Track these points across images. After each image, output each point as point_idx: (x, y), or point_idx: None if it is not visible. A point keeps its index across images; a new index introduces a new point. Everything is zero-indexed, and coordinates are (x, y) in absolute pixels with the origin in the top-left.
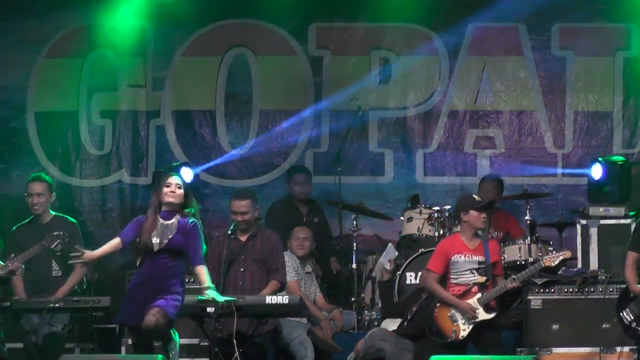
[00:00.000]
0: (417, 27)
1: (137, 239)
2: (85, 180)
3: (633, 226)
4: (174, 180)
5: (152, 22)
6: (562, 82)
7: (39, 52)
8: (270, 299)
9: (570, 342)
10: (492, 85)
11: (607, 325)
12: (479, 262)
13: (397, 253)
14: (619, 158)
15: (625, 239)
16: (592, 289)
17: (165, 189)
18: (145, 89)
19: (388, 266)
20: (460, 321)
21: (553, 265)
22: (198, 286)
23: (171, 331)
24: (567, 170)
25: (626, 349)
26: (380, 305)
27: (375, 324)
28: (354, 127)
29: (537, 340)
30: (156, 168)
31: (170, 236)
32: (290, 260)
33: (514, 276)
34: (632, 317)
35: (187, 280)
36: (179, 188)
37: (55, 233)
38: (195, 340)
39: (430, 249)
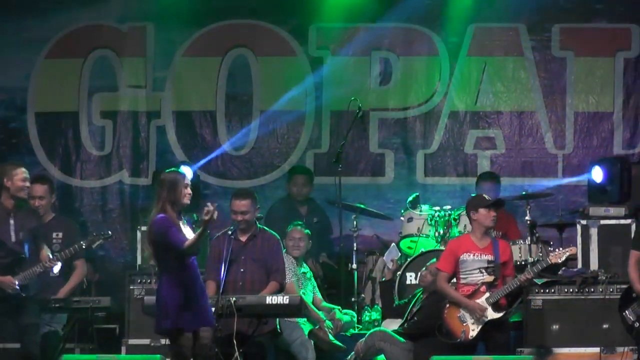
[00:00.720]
0: (417, 27)
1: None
2: (85, 180)
3: (634, 226)
4: (189, 181)
5: (153, 22)
6: (563, 82)
7: (39, 52)
8: (270, 299)
9: (570, 342)
10: (492, 86)
11: (607, 325)
12: (488, 262)
13: (399, 253)
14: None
15: (625, 239)
16: (592, 289)
17: (184, 190)
18: (146, 89)
19: (391, 265)
20: (470, 321)
21: (559, 261)
22: None
23: None
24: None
25: (626, 349)
26: (380, 305)
27: (375, 324)
28: (354, 127)
29: (537, 340)
30: (156, 169)
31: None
32: (287, 261)
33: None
34: (635, 317)
35: None
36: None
37: (95, 233)
38: None
39: (430, 249)
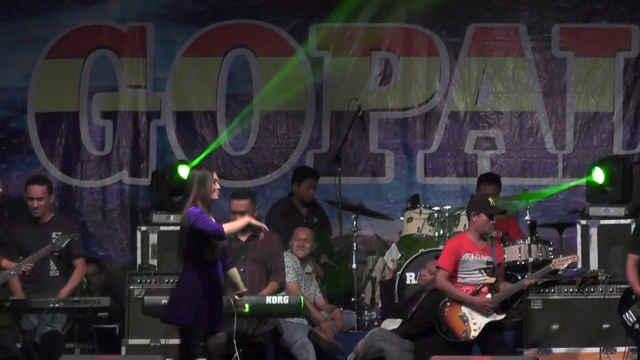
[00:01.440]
0: (417, 27)
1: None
2: (85, 180)
3: (633, 227)
4: (216, 177)
5: (153, 22)
6: (563, 83)
7: (39, 52)
8: (270, 299)
9: (570, 342)
10: (492, 86)
11: (607, 325)
12: (487, 262)
13: (399, 254)
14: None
15: (625, 239)
16: (592, 289)
17: (213, 185)
18: (146, 89)
19: (391, 265)
20: (471, 321)
21: (561, 268)
22: None
23: None
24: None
25: (627, 349)
26: (380, 305)
27: (375, 324)
28: (354, 127)
29: (537, 340)
30: (157, 169)
31: None
32: (290, 261)
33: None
34: (635, 319)
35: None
36: None
37: (60, 234)
38: None
39: (430, 249)
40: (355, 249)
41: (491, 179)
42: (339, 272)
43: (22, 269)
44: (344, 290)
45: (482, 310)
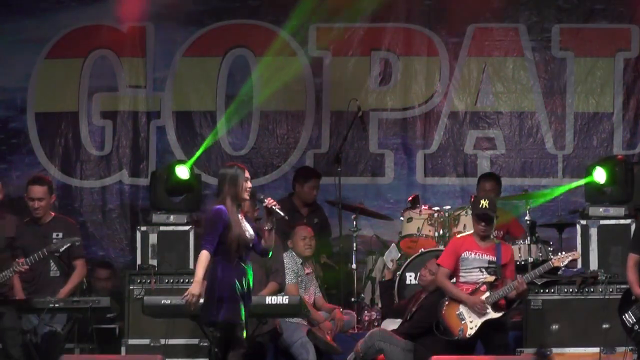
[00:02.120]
0: (417, 27)
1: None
2: (85, 180)
3: (633, 227)
4: (248, 175)
5: (153, 22)
6: (563, 83)
7: (39, 52)
8: (270, 300)
9: (570, 342)
10: (492, 86)
11: (607, 326)
12: (489, 262)
13: (399, 254)
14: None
15: (625, 239)
16: (592, 289)
17: (245, 184)
18: (146, 89)
19: (391, 265)
20: (468, 319)
21: (562, 265)
22: None
23: None
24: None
25: (627, 349)
26: (380, 305)
27: (375, 324)
28: (354, 127)
29: (537, 340)
30: (156, 169)
31: (251, 231)
32: (290, 262)
33: (521, 277)
34: (635, 320)
35: (181, 280)
36: None
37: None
38: (195, 340)
39: (430, 249)
40: (355, 249)
41: (488, 177)
42: (339, 272)
43: (19, 268)
44: (344, 290)
45: (475, 309)
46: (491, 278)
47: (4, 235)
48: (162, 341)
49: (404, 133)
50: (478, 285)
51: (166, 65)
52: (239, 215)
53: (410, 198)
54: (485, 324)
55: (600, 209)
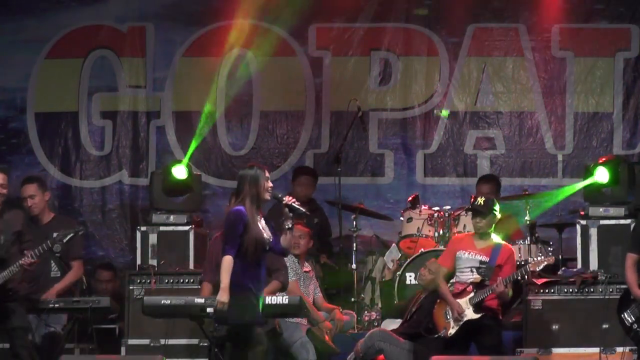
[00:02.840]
0: (417, 27)
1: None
2: (85, 180)
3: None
4: (269, 175)
5: (152, 22)
6: (563, 82)
7: (39, 52)
8: (269, 299)
9: (570, 342)
10: (492, 86)
11: (607, 326)
12: (481, 262)
13: (400, 254)
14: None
15: (625, 239)
16: (592, 289)
17: (266, 184)
18: (146, 89)
19: (391, 265)
20: (451, 319)
21: (537, 269)
22: (196, 286)
23: None
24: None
25: (626, 349)
26: (380, 305)
27: (375, 324)
28: (354, 127)
29: (537, 340)
30: (156, 169)
31: (268, 232)
32: (288, 261)
33: (500, 279)
34: (634, 319)
35: (181, 280)
36: None
37: (55, 234)
38: (195, 341)
39: (431, 249)
40: (355, 249)
41: (485, 179)
42: (339, 273)
43: (26, 261)
44: (344, 291)
45: (452, 313)
46: (478, 278)
47: (11, 229)
48: (162, 341)
49: (404, 133)
50: (466, 285)
51: (166, 65)
52: (258, 217)
53: (410, 198)
54: (473, 325)
55: (600, 209)
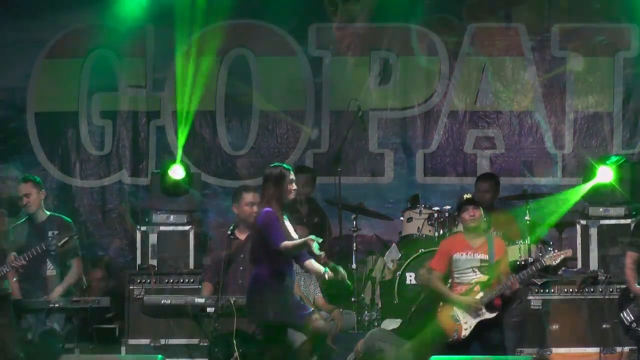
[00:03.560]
0: (417, 27)
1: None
2: (85, 180)
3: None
4: (293, 176)
5: (152, 22)
6: (562, 82)
7: (39, 52)
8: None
9: (570, 342)
10: (492, 86)
11: (607, 325)
12: (482, 260)
13: (399, 254)
14: (621, 158)
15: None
16: (592, 289)
17: (290, 186)
18: (146, 89)
19: (391, 265)
20: (462, 320)
21: (554, 264)
22: (196, 286)
23: None
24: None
25: (626, 349)
26: (380, 305)
27: (375, 324)
28: (354, 127)
29: (537, 340)
30: (156, 169)
31: (295, 234)
32: None
33: (514, 276)
34: (633, 318)
35: (181, 280)
36: None
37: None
38: (195, 341)
39: (431, 249)
40: (355, 249)
41: (484, 177)
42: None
43: (13, 264)
44: (344, 290)
45: (470, 310)
46: (484, 278)
47: None
48: (162, 341)
49: (404, 132)
50: (471, 286)
51: (166, 65)
52: (284, 218)
53: (410, 198)
54: (480, 325)
55: (600, 209)
